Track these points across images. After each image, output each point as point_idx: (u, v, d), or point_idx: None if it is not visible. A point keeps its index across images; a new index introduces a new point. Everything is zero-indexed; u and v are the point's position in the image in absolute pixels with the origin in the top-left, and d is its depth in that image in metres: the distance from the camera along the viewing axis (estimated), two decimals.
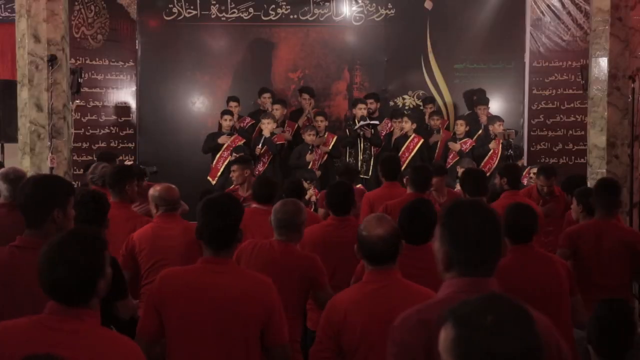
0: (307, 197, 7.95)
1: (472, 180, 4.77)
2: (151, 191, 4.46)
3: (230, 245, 2.91)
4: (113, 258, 3.61)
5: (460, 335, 1.42)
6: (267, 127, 8.76)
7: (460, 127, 9.06)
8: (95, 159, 8.34)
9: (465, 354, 1.40)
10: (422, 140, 8.95)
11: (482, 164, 8.68)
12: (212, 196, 3.09)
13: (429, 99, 9.79)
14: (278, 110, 9.27)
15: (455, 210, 2.06)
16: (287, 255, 3.64)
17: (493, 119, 8.99)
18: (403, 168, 8.66)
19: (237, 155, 7.61)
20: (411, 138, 8.93)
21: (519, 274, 3.49)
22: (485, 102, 9.51)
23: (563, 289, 3.57)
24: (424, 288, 2.78)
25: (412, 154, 8.86)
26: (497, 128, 8.63)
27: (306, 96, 9.56)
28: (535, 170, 7.10)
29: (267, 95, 9.50)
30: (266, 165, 8.85)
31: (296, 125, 9.40)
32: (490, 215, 2.05)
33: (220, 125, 9.19)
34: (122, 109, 10.09)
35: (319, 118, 9.06)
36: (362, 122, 8.93)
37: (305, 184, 8.03)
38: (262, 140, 8.71)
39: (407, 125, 8.94)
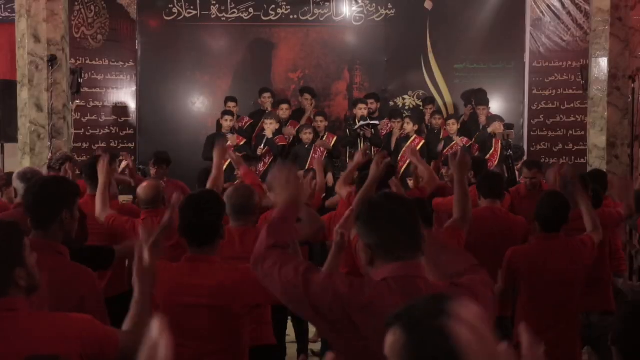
0: None
1: (487, 184, 4.75)
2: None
3: (213, 241, 2.90)
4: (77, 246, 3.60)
5: (412, 339, 1.39)
6: (269, 127, 8.76)
7: (453, 127, 9.03)
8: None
9: (419, 357, 1.37)
10: (423, 142, 8.95)
11: None
12: (192, 193, 3.09)
13: (429, 100, 9.79)
14: (287, 110, 9.29)
15: (367, 204, 2.13)
16: (246, 239, 3.61)
17: (494, 118, 8.98)
18: (404, 169, 8.71)
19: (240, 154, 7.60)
20: (412, 139, 8.93)
21: (543, 260, 3.75)
22: (485, 102, 9.48)
23: (581, 278, 3.82)
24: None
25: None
26: (497, 128, 8.61)
27: (308, 96, 9.56)
28: None
29: (267, 95, 9.50)
30: (267, 165, 8.85)
31: (299, 125, 9.38)
32: (401, 201, 2.12)
33: (218, 126, 9.19)
34: (122, 109, 10.09)
35: (319, 118, 9.06)
36: (362, 122, 8.93)
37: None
38: (264, 141, 8.71)
39: (409, 126, 8.94)
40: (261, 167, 8.78)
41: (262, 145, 8.71)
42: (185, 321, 2.80)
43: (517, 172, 7.86)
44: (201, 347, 2.82)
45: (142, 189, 4.45)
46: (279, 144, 8.89)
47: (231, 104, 9.29)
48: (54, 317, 2.11)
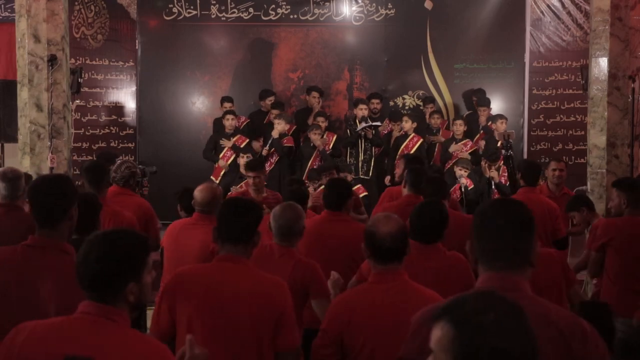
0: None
1: (431, 187, 4.76)
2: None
3: (247, 243, 2.88)
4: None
5: (461, 334, 1.40)
6: (276, 128, 8.75)
7: (460, 128, 9.02)
8: (95, 159, 8.35)
9: (468, 352, 1.39)
10: (421, 140, 8.95)
11: None
12: (232, 197, 3.07)
13: (429, 99, 9.79)
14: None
15: (482, 205, 2.12)
16: (285, 260, 3.55)
17: (495, 117, 8.97)
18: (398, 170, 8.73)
19: (248, 159, 7.50)
20: (410, 137, 8.93)
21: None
22: (487, 103, 9.46)
23: (556, 284, 3.61)
24: (430, 291, 2.77)
25: (411, 152, 8.84)
26: (499, 126, 8.61)
27: (315, 94, 9.53)
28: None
29: (271, 98, 9.49)
30: (273, 165, 8.83)
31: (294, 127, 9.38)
32: (507, 209, 2.04)
33: (215, 126, 9.19)
34: (122, 109, 10.09)
35: (320, 119, 9.05)
36: (363, 124, 8.92)
37: (311, 185, 8.02)
38: (269, 142, 8.70)
39: (408, 124, 8.94)
40: (267, 166, 8.78)
41: (268, 146, 8.70)
42: (212, 319, 2.77)
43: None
44: (227, 346, 2.79)
45: (199, 191, 4.31)
46: (286, 144, 8.87)
47: (227, 104, 9.29)
48: (143, 339, 2.10)
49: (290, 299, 2.87)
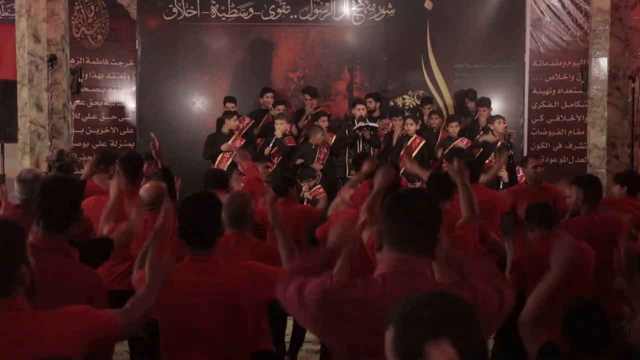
0: (300, 195, 7.96)
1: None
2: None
3: (214, 241, 2.87)
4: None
5: (398, 332, 1.37)
6: (279, 127, 8.72)
7: (456, 129, 9.02)
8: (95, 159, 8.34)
9: (404, 351, 1.35)
10: (423, 142, 8.93)
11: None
12: (189, 194, 3.06)
13: (427, 99, 9.78)
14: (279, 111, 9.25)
15: (393, 194, 2.20)
16: (242, 247, 3.59)
17: (492, 118, 8.97)
18: (404, 168, 8.72)
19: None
20: (413, 138, 8.92)
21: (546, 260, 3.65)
22: (487, 103, 9.43)
23: (586, 278, 3.80)
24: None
25: (413, 154, 8.83)
26: (497, 126, 8.60)
27: (307, 96, 9.53)
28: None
29: (269, 94, 9.48)
30: (275, 166, 8.81)
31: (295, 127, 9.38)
32: (424, 198, 2.14)
33: (218, 126, 9.18)
34: (122, 109, 10.09)
35: (322, 118, 9.03)
36: (361, 124, 8.92)
37: (304, 185, 8.00)
38: (273, 141, 8.67)
39: (412, 127, 8.90)
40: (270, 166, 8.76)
41: (271, 145, 8.68)
42: (192, 322, 2.79)
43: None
44: (207, 348, 2.80)
45: (145, 190, 4.39)
46: (288, 144, 8.86)
47: (230, 105, 9.28)
48: (54, 315, 2.10)
49: (265, 270, 2.90)
